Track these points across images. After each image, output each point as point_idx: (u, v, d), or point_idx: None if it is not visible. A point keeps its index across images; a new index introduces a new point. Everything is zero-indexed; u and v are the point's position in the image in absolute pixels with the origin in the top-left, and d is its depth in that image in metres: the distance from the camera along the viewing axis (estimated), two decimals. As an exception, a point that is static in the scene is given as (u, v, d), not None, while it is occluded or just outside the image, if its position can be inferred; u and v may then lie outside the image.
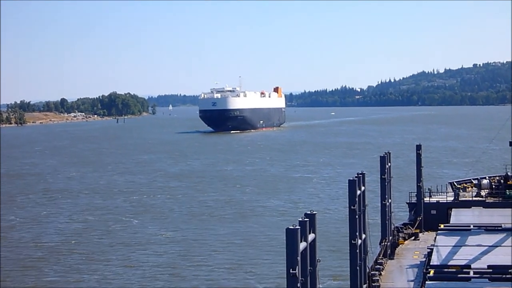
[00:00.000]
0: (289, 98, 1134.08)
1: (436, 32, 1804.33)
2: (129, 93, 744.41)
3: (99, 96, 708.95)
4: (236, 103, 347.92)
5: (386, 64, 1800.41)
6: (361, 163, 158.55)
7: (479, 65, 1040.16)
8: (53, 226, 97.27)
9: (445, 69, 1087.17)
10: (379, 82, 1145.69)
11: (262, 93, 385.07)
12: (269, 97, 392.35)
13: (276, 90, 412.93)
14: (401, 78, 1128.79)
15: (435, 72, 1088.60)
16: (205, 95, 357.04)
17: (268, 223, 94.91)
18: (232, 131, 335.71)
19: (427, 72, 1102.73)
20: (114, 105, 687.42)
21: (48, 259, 77.16)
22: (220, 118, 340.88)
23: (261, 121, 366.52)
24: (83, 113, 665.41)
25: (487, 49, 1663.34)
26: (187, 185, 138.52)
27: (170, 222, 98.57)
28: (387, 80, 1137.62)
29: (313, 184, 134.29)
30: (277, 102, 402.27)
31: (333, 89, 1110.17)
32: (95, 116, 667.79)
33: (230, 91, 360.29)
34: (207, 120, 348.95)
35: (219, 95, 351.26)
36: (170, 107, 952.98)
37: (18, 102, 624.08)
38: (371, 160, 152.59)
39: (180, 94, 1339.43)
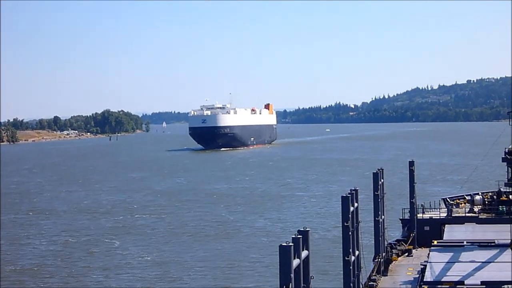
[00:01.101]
0: (283, 115, 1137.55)
1: (430, 48, 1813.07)
2: (122, 110, 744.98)
3: (92, 114, 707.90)
4: (226, 120, 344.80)
5: (380, 81, 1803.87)
6: (352, 180, 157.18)
7: (473, 81, 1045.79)
8: (32, 248, 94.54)
9: (439, 85, 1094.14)
10: (373, 99, 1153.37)
11: (252, 110, 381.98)
12: (260, 113, 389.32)
13: (267, 106, 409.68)
14: (395, 95, 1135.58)
15: (429, 88, 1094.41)
16: (195, 112, 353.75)
17: (256, 243, 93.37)
18: (222, 149, 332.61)
19: (421, 88, 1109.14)
20: (107, 123, 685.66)
21: (24, 283, 75.05)
22: (210, 136, 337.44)
23: (252, 138, 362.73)
24: (76, 131, 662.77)
25: (481, 65, 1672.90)
26: (173, 204, 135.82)
27: (152, 243, 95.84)
28: (381, 97, 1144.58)
29: (303, 202, 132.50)
30: (268, 119, 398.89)
31: (327, 106, 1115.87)
32: (88, 133, 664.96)
33: (220, 108, 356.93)
34: (197, 138, 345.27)
35: (209, 112, 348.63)
36: (164, 124, 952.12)
37: (11, 120, 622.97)
38: (363, 177, 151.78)
39: (175, 111, 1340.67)
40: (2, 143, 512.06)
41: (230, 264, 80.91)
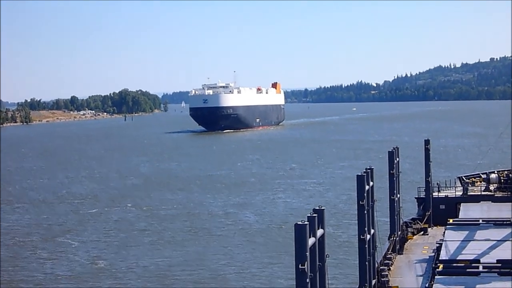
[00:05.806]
0: (304, 94, 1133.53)
1: (453, 26, 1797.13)
2: (140, 90, 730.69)
3: (110, 94, 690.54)
4: (229, 100, 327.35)
5: (402, 59, 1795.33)
6: (366, 163, 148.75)
7: (496, 59, 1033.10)
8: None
9: (462, 63, 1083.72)
10: (396, 77, 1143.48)
11: (258, 89, 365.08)
12: (267, 93, 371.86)
13: (274, 85, 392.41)
14: (418, 73, 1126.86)
15: (452, 67, 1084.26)
16: (196, 92, 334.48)
17: (265, 227, 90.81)
18: (225, 131, 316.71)
19: (443, 66, 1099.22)
20: (124, 103, 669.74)
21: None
22: (211, 117, 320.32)
23: (257, 119, 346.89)
24: (93, 111, 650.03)
25: (505, 43, 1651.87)
26: (160, 193, 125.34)
27: (119, 246, 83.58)
28: (404, 75, 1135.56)
29: (311, 187, 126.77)
30: (275, 98, 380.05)
31: (349, 84, 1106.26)
32: (105, 114, 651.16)
33: (223, 87, 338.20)
34: (198, 119, 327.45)
35: (210, 92, 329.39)
36: (183, 104, 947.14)
37: (29, 100, 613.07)
38: (377, 160, 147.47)
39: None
40: (15, 124, 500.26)
41: (230, 255, 77.13)
